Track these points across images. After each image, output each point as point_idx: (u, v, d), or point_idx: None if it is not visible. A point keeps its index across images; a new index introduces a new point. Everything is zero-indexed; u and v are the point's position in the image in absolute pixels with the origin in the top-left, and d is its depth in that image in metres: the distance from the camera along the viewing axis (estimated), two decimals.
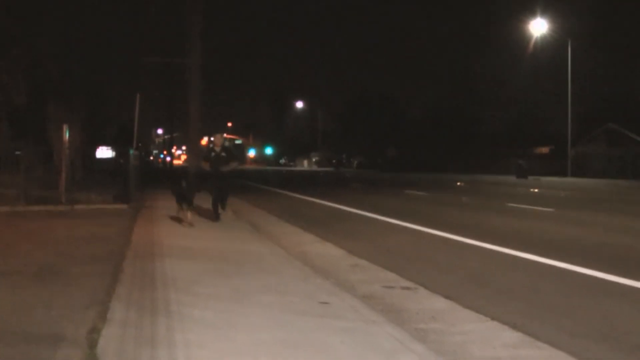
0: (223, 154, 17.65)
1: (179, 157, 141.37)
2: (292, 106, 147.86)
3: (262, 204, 24.60)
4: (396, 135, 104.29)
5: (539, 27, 61.92)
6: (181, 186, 16.50)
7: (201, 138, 43.81)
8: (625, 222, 18.56)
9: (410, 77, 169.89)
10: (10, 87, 31.76)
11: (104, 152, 47.72)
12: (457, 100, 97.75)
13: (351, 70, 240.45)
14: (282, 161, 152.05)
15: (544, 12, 61.87)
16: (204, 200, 18.27)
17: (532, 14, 62.43)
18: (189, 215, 15.68)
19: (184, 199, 15.84)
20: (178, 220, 16.17)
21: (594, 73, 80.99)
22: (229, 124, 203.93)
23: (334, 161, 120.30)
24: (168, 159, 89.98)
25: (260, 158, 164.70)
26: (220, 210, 17.77)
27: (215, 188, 17.66)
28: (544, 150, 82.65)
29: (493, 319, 7.36)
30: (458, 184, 47.45)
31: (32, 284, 8.22)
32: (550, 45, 64.82)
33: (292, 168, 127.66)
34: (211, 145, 19.32)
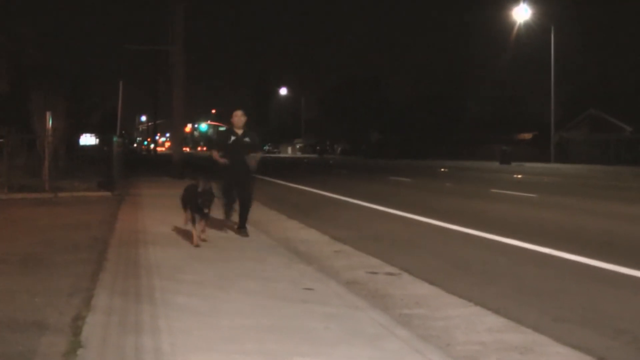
0: (246, 139, 12.16)
1: (162, 144, 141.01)
2: (276, 92, 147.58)
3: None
4: (380, 121, 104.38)
5: (522, 13, 61.97)
6: (196, 188, 10.81)
7: (185, 125, 43.65)
8: (608, 207, 18.66)
9: (395, 63, 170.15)
10: None
11: (87, 140, 47.55)
12: (441, 85, 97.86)
13: (336, 56, 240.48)
14: (266, 148, 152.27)
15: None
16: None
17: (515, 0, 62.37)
18: (200, 228, 10.87)
19: (197, 208, 10.58)
20: (184, 235, 11.48)
21: (576, 59, 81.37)
22: (213, 111, 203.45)
23: (317, 148, 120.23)
24: (152, 146, 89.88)
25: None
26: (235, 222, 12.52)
27: (238, 188, 12.26)
28: (528, 136, 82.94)
29: (477, 304, 7.39)
30: (442, 170, 47.58)
31: (16, 272, 8.20)
32: (534, 31, 64.89)
33: (276, 155, 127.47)
34: (227, 128, 13.05)
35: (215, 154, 12.17)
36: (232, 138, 12.15)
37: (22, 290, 7.13)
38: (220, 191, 12.30)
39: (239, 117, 12.25)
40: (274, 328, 5.94)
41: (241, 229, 12.18)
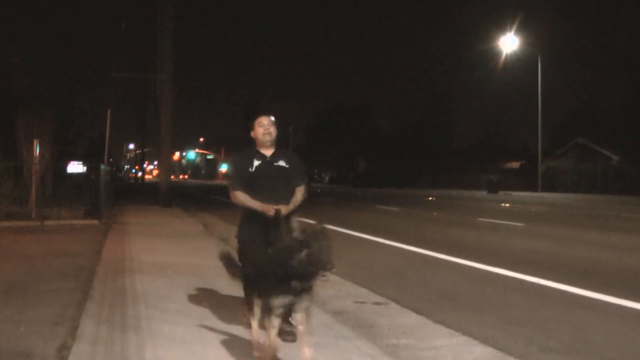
0: (281, 162, 7.33)
1: (150, 172, 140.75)
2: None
3: (237, 221, 24.52)
4: (367, 149, 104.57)
5: (509, 43, 62.29)
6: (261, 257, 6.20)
7: (173, 153, 43.56)
8: (595, 236, 18.70)
9: (382, 91, 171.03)
10: None
11: (75, 167, 47.41)
12: (428, 114, 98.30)
13: (324, 85, 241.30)
14: None
15: (515, 29, 62.21)
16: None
17: (503, 31, 62.75)
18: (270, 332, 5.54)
19: (266, 292, 5.64)
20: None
21: (564, 88, 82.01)
22: (201, 139, 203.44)
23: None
24: (139, 174, 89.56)
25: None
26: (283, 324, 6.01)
27: (271, 258, 5.94)
28: (515, 164, 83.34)
29: (464, 333, 7.38)
30: (429, 199, 47.67)
31: (0, 300, 8.15)
32: (522, 61, 65.27)
33: None
34: (246, 150, 7.59)
35: (235, 192, 7.15)
36: (256, 163, 7.19)
37: (6, 319, 7.09)
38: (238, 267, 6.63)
39: (266, 128, 7.24)
40: None
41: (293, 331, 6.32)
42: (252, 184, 7.09)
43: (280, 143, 7.34)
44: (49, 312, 7.40)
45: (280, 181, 7.18)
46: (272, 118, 7.36)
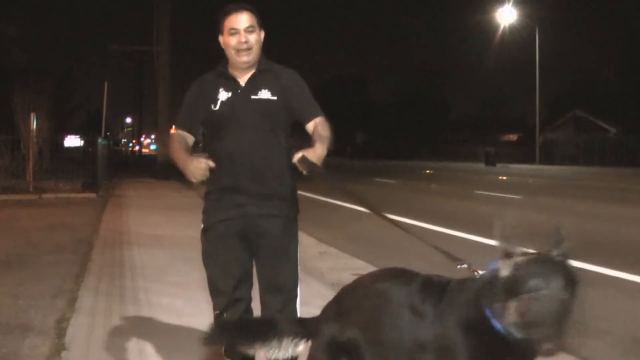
0: (266, 93, 4.26)
1: (147, 145, 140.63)
2: None
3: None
4: (364, 121, 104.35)
5: (507, 15, 61.99)
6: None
7: (170, 126, 43.45)
8: (592, 207, 18.72)
9: (380, 63, 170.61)
10: None
11: (72, 141, 47.33)
12: (425, 86, 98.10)
13: (321, 55, 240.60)
14: None
15: (513, 0, 61.94)
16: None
17: (501, 2, 62.47)
18: None
19: None
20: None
21: (562, 60, 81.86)
22: None
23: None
24: (137, 147, 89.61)
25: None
26: None
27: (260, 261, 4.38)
28: (513, 137, 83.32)
29: None
30: (427, 171, 47.63)
31: None
32: (519, 33, 65.04)
33: None
34: (214, 73, 4.42)
35: (174, 141, 4.40)
36: (223, 96, 4.29)
37: (5, 292, 7.12)
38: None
39: (241, 37, 4.20)
40: None
41: None
42: (216, 135, 4.33)
43: (269, 57, 4.50)
44: (47, 285, 7.43)
45: (263, 129, 4.26)
46: (251, 16, 4.28)
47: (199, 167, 4.04)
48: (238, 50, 4.20)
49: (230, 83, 4.30)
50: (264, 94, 4.25)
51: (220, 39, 4.33)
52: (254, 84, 4.28)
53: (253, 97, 4.25)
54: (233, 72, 4.32)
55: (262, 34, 4.39)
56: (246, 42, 4.20)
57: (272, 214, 4.09)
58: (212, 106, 4.27)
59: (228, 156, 4.22)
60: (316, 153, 4.07)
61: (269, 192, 4.23)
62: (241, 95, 4.26)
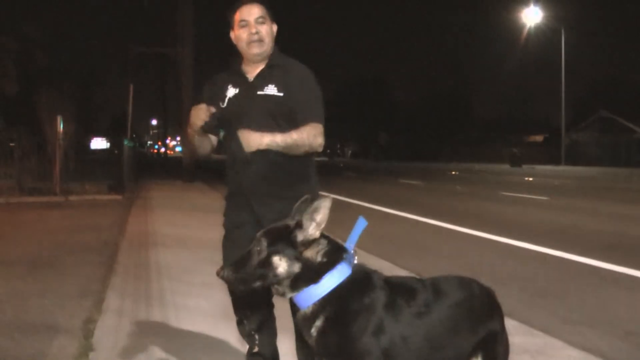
0: (272, 89, 4.17)
1: (173, 147, 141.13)
2: None
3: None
4: (388, 122, 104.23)
5: (532, 15, 61.74)
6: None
7: None
8: (619, 209, 18.59)
9: (403, 63, 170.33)
10: (1, 76, 31.70)
11: (98, 143, 47.71)
12: (449, 86, 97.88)
13: (344, 58, 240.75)
14: None
15: (539, 1, 61.68)
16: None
17: (526, 2, 62.21)
18: None
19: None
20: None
21: (587, 60, 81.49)
22: None
23: (328, 151, 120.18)
24: (162, 149, 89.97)
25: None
26: None
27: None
28: (538, 138, 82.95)
29: None
30: (452, 172, 47.51)
31: (27, 275, 8.23)
32: (544, 33, 64.75)
33: None
34: (228, 70, 4.45)
35: (191, 136, 4.36)
36: (231, 93, 4.30)
37: (33, 293, 7.16)
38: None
39: (252, 28, 4.19)
40: (284, 329, 5.94)
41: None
42: (228, 133, 4.27)
43: (284, 50, 4.44)
44: (74, 286, 7.47)
45: (267, 126, 4.09)
46: (262, 8, 4.26)
47: (198, 110, 4.12)
48: (249, 42, 4.17)
49: (239, 79, 4.29)
50: (270, 90, 4.16)
51: (232, 34, 4.31)
52: (262, 79, 4.22)
53: (259, 92, 4.17)
54: (245, 68, 4.30)
55: (275, 27, 4.33)
56: (257, 32, 4.17)
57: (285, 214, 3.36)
58: (221, 103, 4.26)
59: (232, 155, 4.23)
60: (251, 137, 3.99)
61: (278, 193, 4.14)
62: (248, 90, 4.22)
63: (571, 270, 9.59)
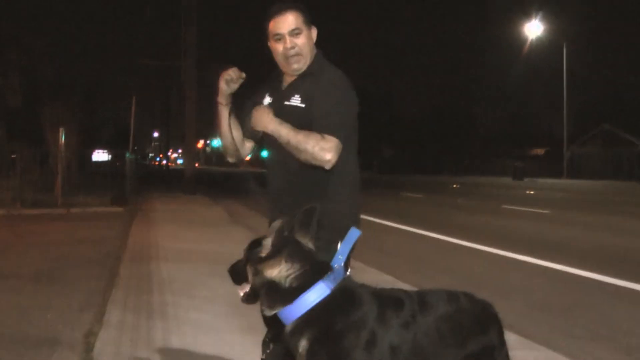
0: (297, 100, 3.91)
1: (175, 160, 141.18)
2: None
3: (263, 209, 24.54)
4: (391, 135, 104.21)
5: (534, 29, 61.87)
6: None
7: (197, 141, 43.61)
8: (621, 223, 18.57)
9: (405, 77, 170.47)
10: (5, 88, 31.75)
11: (100, 155, 47.72)
12: (452, 100, 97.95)
13: (349, 69, 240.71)
14: None
15: (540, 15, 61.80)
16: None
17: (528, 16, 62.36)
18: None
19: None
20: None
21: (589, 74, 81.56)
22: None
23: None
24: (164, 162, 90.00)
25: (256, 160, 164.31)
26: None
27: None
28: (540, 151, 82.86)
29: None
30: (454, 185, 47.50)
31: (28, 287, 8.23)
32: (546, 46, 64.84)
33: None
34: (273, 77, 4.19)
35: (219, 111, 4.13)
36: (267, 100, 4.09)
37: (34, 306, 7.16)
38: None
39: (288, 42, 3.87)
40: None
41: None
42: (265, 143, 4.16)
43: (328, 57, 4.16)
44: (75, 299, 7.47)
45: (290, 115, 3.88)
46: (296, 15, 3.90)
47: (226, 72, 3.96)
48: (286, 57, 3.88)
49: (275, 87, 4.08)
50: (295, 100, 3.89)
51: (269, 44, 3.99)
52: (291, 89, 3.96)
53: (286, 102, 3.91)
54: (285, 75, 4.05)
55: (314, 32, 4.01)
56: (293, 47, 3.86)
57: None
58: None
59: (265, 166, 4.15)
60: (262, 116, 3.83)
61: (292, 207, 3.58)
62: (279, 100, 3.96)
63: (574, 283, 9.58)
